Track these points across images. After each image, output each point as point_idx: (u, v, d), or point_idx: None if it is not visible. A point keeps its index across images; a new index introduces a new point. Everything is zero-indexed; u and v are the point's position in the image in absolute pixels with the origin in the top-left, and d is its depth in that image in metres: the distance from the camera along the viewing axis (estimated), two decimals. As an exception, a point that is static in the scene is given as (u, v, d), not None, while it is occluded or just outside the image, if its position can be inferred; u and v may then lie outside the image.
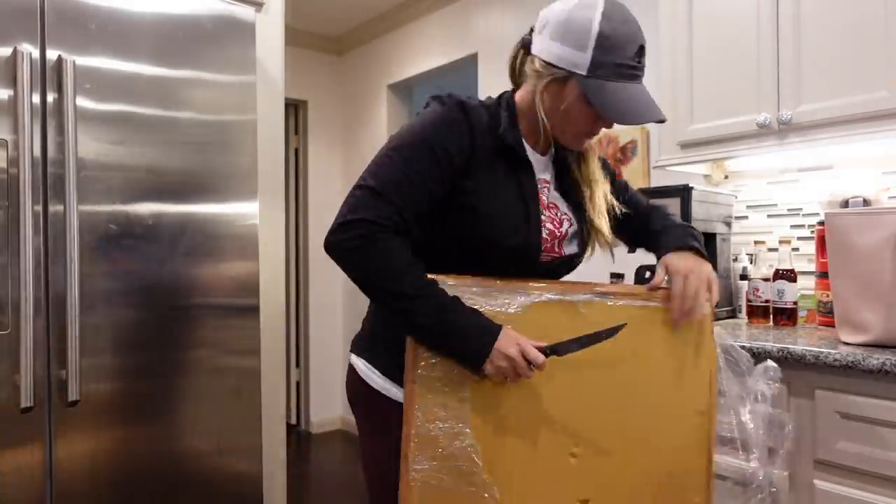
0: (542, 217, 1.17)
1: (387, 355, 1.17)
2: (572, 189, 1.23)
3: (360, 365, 1.21)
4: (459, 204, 1.11)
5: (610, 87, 1.07)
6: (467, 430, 1.07)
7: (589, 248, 1.25)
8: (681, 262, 1.14)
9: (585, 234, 1.23)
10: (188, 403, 1.83)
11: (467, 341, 1.02)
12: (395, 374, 1.14)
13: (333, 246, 1.06)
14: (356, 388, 1.22)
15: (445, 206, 1.11)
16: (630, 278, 2.09)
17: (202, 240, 1.85)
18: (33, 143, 1.55)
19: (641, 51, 1.09)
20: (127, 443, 1.71)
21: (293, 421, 4.32)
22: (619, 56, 1.06)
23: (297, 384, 4.33)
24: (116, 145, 1.70)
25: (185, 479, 1.81)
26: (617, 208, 1.24)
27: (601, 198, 1.22)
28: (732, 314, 2.02)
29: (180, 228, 1.81)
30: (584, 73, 1.07)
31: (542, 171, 1.22)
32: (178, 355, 1.81)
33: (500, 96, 1.21)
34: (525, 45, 1.17)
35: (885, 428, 1.31)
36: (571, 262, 1.24)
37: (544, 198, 1.20)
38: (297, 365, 4.32)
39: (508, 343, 1.02)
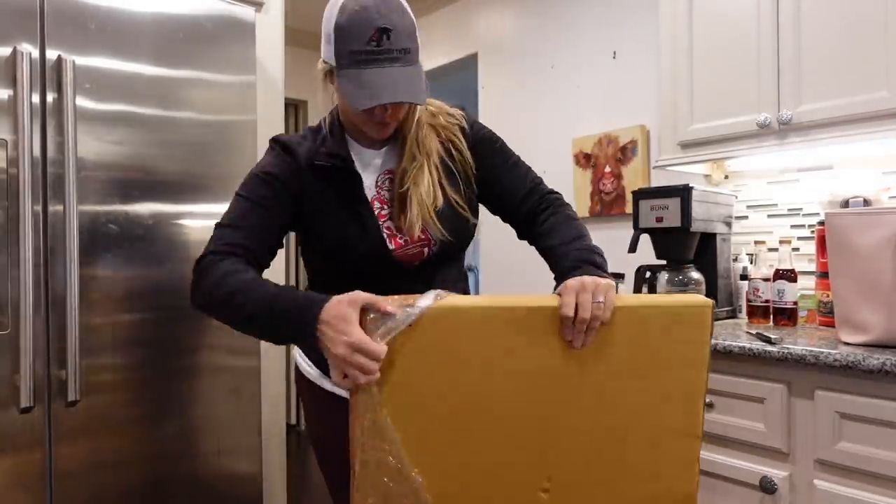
0: (380, 222, 1.19)
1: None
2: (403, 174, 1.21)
3: (298, 358, 1.32)
4: (306, 227, 1.20)
5: (350, 74, 1.08)
6: (413, 472, 0.96)
7: (440, 231, 1.18)
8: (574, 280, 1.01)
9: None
10: (188, 403, 1.82)
11: (289, 319, 0.99)
12: (325, 366, 1.15)
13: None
14: (297, 378, 1.34)
15: (300, 230, 1.21)
16: (630, 278, 2.09)
17: (202, 240, 1.85)
18: (33, 143, 1.55)
19: (382, 33, 1.06)
20: (127, 443, 1.71)
21: (293, 421, 4.32)
22: (354, 43, 1.06)
23: (297, 384, 4.32)
24: (116, 145, 1.70)
25: (184, 479, 1.81)
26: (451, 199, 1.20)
27: (424, 178, 1.18)
28: (732, 314, 2.02)
29: (180, 228, 1.81)
30: (335, 65, 1.10)
31: (383, 166, 1.24)
32: (178, 355, 1.81)
33: (330, 111, 1.25)
34: None
35: (885, 428, 1.30)
36: (450, 250, 1.21)
37: (383, 196, 1.22)
38: (297, 365, 4.32)
39: (337, 321, 0.93)
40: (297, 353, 1.33)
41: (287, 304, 0.99)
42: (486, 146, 1.30)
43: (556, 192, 1.32)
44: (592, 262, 1.10)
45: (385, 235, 1.18)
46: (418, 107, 1.21)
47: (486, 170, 1.28)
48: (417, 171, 1.19)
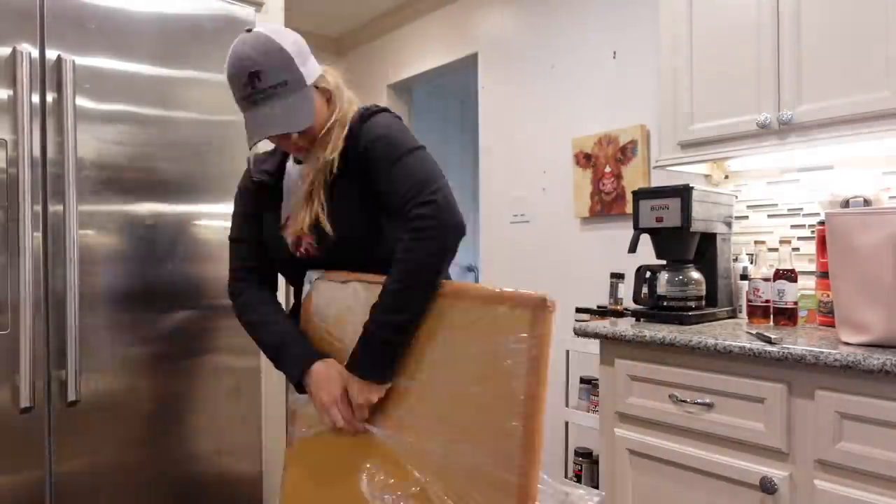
0: (282, 223, 1.36)
1: None
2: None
3: None
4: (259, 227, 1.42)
5: (244, 117, 1.23)
6: None
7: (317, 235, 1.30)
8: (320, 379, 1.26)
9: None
10: (188, 403, 1.82)
11: (285, 365, 1.30)
12: None
13: None
14: None
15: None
16: (630, 278, 2.09)
17: (202, 240, 1.85)
18: (33, 143, 1.55)
19: (253, 77, 1.18)
20: (126, 443, 1.71)
21: (293, 421, 4.31)
22: (235, 92, 1.22)
23: (298, 384, 4.31)
24: (116, 145, 1.70)
25: (185, 479, 1.81)
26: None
27: (302, 190, 1.30)
28: (732, 314, 2.02)
29: (180, 228, 1.81)
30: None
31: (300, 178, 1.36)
32: (178, 355, 1.81)
33: None
34: None
35: (885, 428, 1.30)
36: (334, 252, 1.29)
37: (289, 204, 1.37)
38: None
39: (322, 383, 1.24)
40: None
41: (286, 353, 1.30)
42: (365, 158, 1.27)
43: (428, 212, 1.14)
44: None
45: (289, 242, 1.33)
46: (335, 114, 1.29)
47: (373, 170, 1.24)
48: (302, 184, 1.30)
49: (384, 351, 1.15)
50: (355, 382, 1.17)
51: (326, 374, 1.23)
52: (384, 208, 1.25)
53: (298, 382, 1.27)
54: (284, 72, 1.19)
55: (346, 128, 1.27)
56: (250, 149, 1.27)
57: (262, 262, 1.41)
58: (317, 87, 1.27)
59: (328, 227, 1.25)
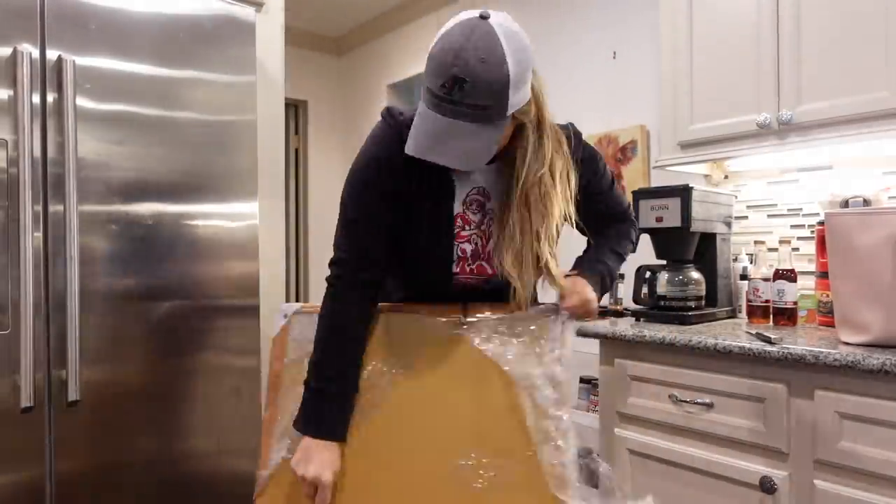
0: (455, 237, 1.16)
1: None
2: (501, 198, 1.16)
3: None
4: (400, 216, 1.16)
5: (420, 106, 1.03)
6: None
7: (503, 266, 1.14)
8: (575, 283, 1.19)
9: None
10: (188, 403, 1.83)
11: (301, 420, 1.14)
12: None
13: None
14: None
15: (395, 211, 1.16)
16: (630, 278, 2.09)
17: (202, 240, 1.85)
18: (33, 143, 1.55)
19: (454, 82, 0.96)
20: (127, 443, 1.71)
21: (293, 421, 4.32)
22: (429, 80, 1.00)
23: (297, 384, 4.32)
24: (116, 145, 1.70)
25: (185, 479, 1.81)
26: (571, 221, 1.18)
27: (517, 215, 1.11)
28: (732, 314, 2.02)
29: (180, 228, 1.81)
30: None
31: (477, 182, 1.17)
32: (178, 355, 1.81)
33: None
34: None
35: (885, 428, 1.30)
36: (494, 284, 1.18)
37: (466, 213, 1.17)
38: (297, 365, 4.31)
39: (312, 456, 1.10)
40: None
41: (310, 408, 1.14)
42: (590, 165, 1.26)
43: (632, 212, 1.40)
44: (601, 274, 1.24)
45: (456, 257, 1.17)
46: (545, 128, 1.13)
47: (587, 192, 1.23)
48: (522, 219, 1.11)
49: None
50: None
51: (321, 456, 1.11)
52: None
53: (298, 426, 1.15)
54: (492, 97, 0.97)
55: (568, 140, 1.19)
56: (411, 154, 1.03)
57: (382, 267, 1.18)
58: (514, 116, 1.04)
59: (524, 281, 1.12)
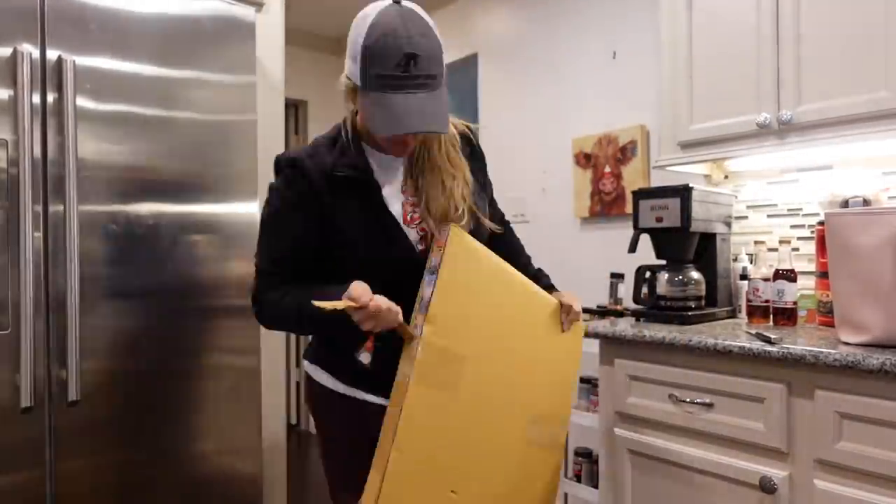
0: (403, 226, 1.22)
1: (335, 359, 1.29)
2: (421, 178, 1.26)
3: (311, 368, 1.34)
4: (334, 240, 1.20)
5: (375, 97, 1.08)
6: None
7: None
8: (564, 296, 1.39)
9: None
10: (188, 403, 1.83)
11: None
12: (338, 373, 1.28)
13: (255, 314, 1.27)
14: (311, 389, 1.35)
15: (328, 244, 1.21)
16: (630, 278, 2.09)
17: (202, 240, 1.85)
18: (33, 143, 1.55)
19: (410, 59, 1.05)
20: (127, 443, 1.71)
21: (293, 421, 4.32)
22: (381, 67, 1.06)
23: (297, 384, 4.33)
24: (116, 145, 1.71)
25: (185, 478, 1.82)
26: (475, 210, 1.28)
27: (452, 184, 1.23)
28: (732, 314, 2.02)
29: (180, 228, 1.81)
30: (359, 84, 1.11)
31: (407, 172, 1.27)
32: (178, 355, 1.81)
33: (343, 121, 1.27)
34: None
35: (885, 428, 1.30)
36: None
37: (402, 203, 1.24)
38: (297, 365, 4.32)
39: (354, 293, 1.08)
40: (310, 367, 1.34)
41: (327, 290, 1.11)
42: (480, 159, 1.40)
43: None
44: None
45: (414, 241, 1.22)
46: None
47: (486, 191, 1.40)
48: (444, 174, 1.24)
49: None
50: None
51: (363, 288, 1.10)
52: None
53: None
54: (437, 64, 1.09)
55: (464, 133, 1.34)
56: (386, 136, 1.13)
57: (307, 266, 1.24)
58: None
59: (481, 211, 1.29)
